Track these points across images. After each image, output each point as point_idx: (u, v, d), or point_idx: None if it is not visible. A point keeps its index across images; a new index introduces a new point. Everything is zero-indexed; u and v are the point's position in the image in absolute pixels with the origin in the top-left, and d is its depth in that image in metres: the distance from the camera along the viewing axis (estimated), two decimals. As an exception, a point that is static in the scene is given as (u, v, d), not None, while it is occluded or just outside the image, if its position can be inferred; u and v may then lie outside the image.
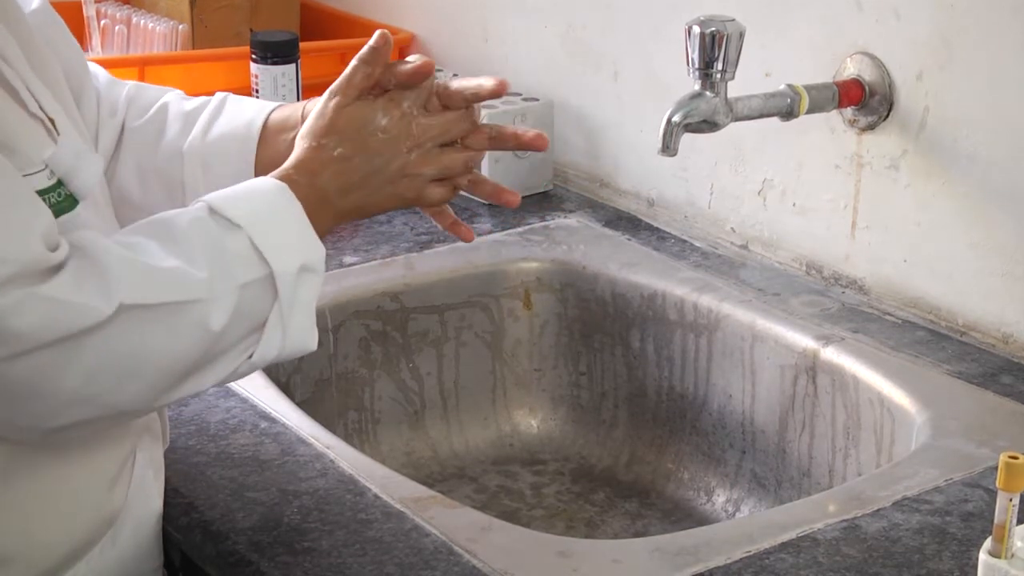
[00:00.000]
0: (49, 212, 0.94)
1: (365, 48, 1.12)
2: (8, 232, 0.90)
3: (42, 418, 0.94)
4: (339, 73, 1.13)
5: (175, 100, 1.24)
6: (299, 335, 1.03)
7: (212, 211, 1.01)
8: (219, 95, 1.24)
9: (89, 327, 0.92)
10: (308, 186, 1.06)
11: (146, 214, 1.05)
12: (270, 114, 1.20)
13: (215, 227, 1.00)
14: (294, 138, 1.15)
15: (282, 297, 1.01)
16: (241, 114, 1.21)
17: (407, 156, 1.10)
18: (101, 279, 0.93)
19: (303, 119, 1.16)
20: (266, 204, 1.03)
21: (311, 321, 1.03)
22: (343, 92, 1.11)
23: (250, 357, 1.01)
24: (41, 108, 1.00)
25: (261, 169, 1.17)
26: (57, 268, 0.92)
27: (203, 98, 1.24)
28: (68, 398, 0.93)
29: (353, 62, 1.12)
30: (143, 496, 1.09)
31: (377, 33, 1.13)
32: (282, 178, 1.06)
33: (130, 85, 1.27)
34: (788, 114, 1.39)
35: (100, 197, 1.10)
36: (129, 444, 1.08)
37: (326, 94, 1.13)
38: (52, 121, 1.00)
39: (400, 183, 1.11)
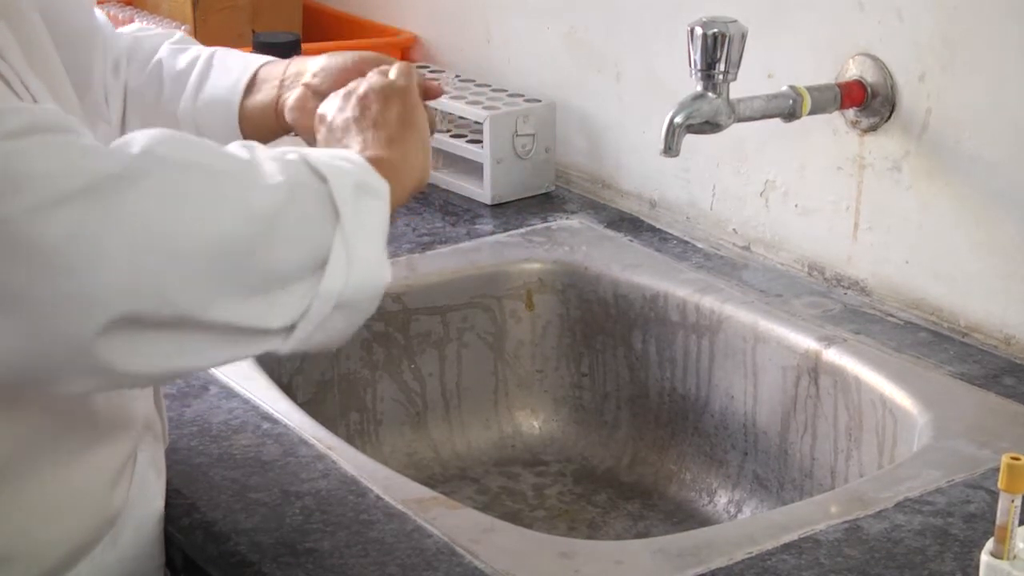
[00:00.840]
0: None
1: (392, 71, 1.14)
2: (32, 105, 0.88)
3: (88, 301, 0.84)
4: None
5: (168, 56, 1.24)
6: (367, 264, 0.94)
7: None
8: (207, 51, 1.24)
9: (117, 172, 0.84)
10: (357, 135, 1.06)
11: None
12: (254, 74, 1.21)
13: (264, 148, 0.97)
14: (273, 88, 1.18)
15: (343, 216, 0.93)
16: (226, 76, 1.21)
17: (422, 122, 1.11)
18: (129, 138, 0.89)
19: (285, 72, 1.19)
20: (338, 154, 1.00)
21: (382, 250, 0.96)
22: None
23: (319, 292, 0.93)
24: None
25: (242, 120, 1.19)
26: (74, 130, 0.87)
27: (193, 52, 1.24)
28: (113, 274, 0.84)
29: (402, 65, 1.15)
30: (145, 496, 1.09)
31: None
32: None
33: (129, 35, 1.27)
34: (790, 115, 1.39)
35: None
36: (130, 444, 1.08)
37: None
38: None
39: (424, 128, 1.10)
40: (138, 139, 0.89)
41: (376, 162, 1.01)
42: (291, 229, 0.92)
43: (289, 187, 0.92)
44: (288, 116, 1.19)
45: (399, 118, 1.08)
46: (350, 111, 1.08)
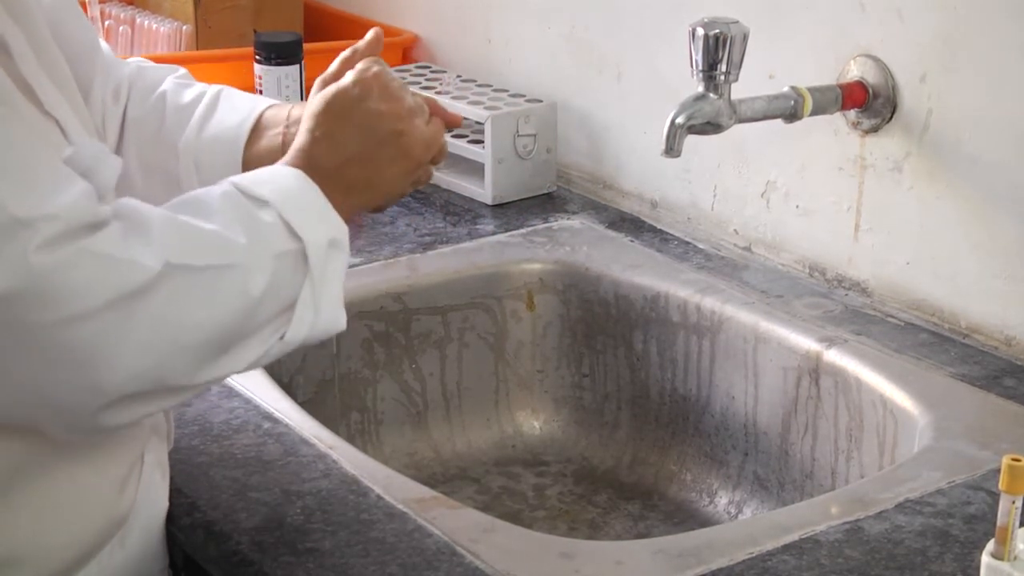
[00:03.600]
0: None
1: (362, 41, 1.17)
2: (55, 187, 0.90)
3: (97, 392, 0.93)
4: (342, 74, 1.14)
5: (173, 90, 1.24)
6: (330, 313, 1.03)
7: (238, 188, 1.02)
8: (213, 88, 1.25)
9: (139, 287, 0.92)
10: (308, 167, 1.07)
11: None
12: (259, 117, 1.21)
13: (246, 201, 1.01)
14: (278, 135, 1.19)
15: (313, 271, 1.01)
16: (232, 115, 1.22)
17: (392, 111, 1.11)
18: (145, 237, 0.94)
19: (289, 117, 1.20)
20: (287, 184, 1.04)
21: (340, 299, 1.04)
22: (328, 82, 1.14)
23: (282, 337, 1.02)
24: (47, 109, 1.00)
25: (247, 167, 1.19)
26: (103, 224, 0.92)
27: (198, 88, 1.25)
28: (124, 371, 0.92)
29: (346, 53, 1.16)
30: (151, 498, 1.09)
31: (372, 31, 1.18)
32: (289, 165, 1.08)
33: (132, 65, 1.27)
34: (791, 116, 1.39)
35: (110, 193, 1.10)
36: (138, 446, 1.08)
37: (315, 84, 1.16)
38: (58, 123, 1.00)
39: (398, 142, 1.11)
40: (152, 241, 0.94)
41: (331, 189, 1.06)
42: (272, 297, 1.00)
43: (275, 266, 1.00)
44: None
45: (360, 129, 1.10)
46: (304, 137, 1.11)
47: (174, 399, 1.01)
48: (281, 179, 1.05)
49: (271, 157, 1.18)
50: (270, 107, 1.22)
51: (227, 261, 0.97)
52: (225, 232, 0.98)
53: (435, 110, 1.17)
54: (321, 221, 1.03)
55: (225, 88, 1.25)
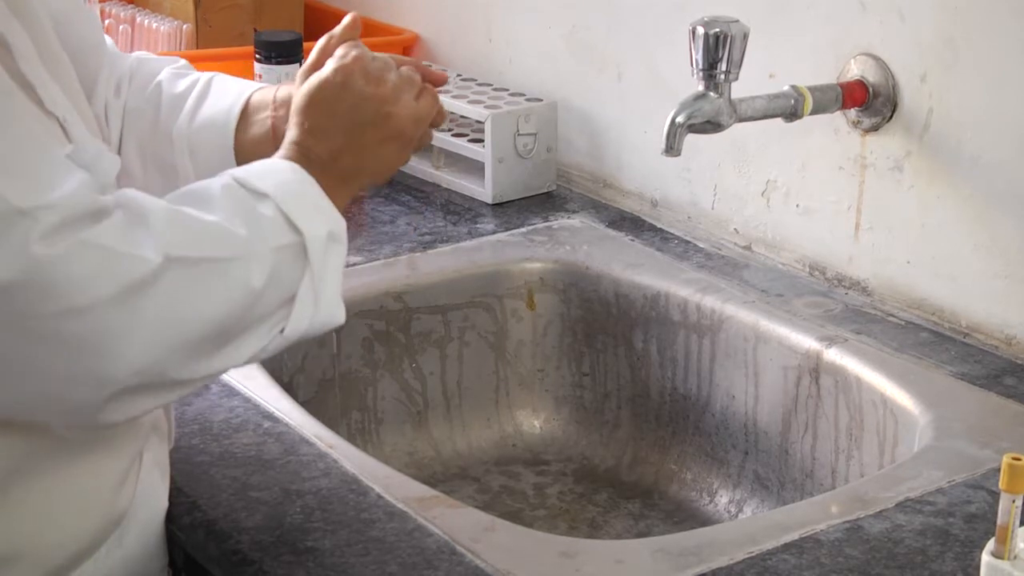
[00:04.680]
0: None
1: (338, 27, 1.17)
2: (55, 178, 0.91)
3: (100, 385, 0.93)
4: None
5: (168, 79, 1.25)
6: (329, 306, 1.03)
7: (238, 181, 1.02)
8: (206, 76, 1.25)
9: (140, 279, 0.91)
10: (303, 160, 1.07)
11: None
12: (247, 101, 1.21)
13: (245, 193, 1.01)
14: (267, 118, 1.18)
15: (313, 264, 1.01)
16: (222, 100, 1.22)
17: (377, 94, 1.11)
18: (146, 229, 0.94)
19: (275, 99, 1.20)
20: (286, 177, 1.04)
21: (339, 292, 1.04)
22: (309, 72, 1.14)
23: (282, 331, 1.01)
24: (49, 108, 1.00)
25: (240, 152, 1.19)
26: (104, 213, 0.92)
27: (193, 77, 1.25)
28: (128, 363, 0.92)
29: (322, 41, 1.17)
30: (150, 497, 1.09)
31: (348, 16, 1.19)
32: (284, 159, 1.08)
33: (132, 58, 1.27)
34: (792, 115, 1.39)
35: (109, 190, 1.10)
36: (137, 445, 1.08)
37: (298, 76, 1.16)
38: (60, 122, 1.00)
39: (388, 124, 1.11)
40: (153, 233, 0.94)
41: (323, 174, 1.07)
42: (272, 290, 1.00)
43: (275, 258, 0.99)
44: None
45: (347, 117, 1.10)
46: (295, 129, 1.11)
47: (175, 393, 1.00)
48: (279, 172, 1.05)
49: (262, 141, 1.19)
50: (257, 90, 1.22)
51: (228, 254, 0.97)
52: (226, 224, 0.98)
53: (424, 74, 1.16)
54: (319, 214, 1.04)
55: (217, 75, 1.25)
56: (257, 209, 1.01)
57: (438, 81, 1.18)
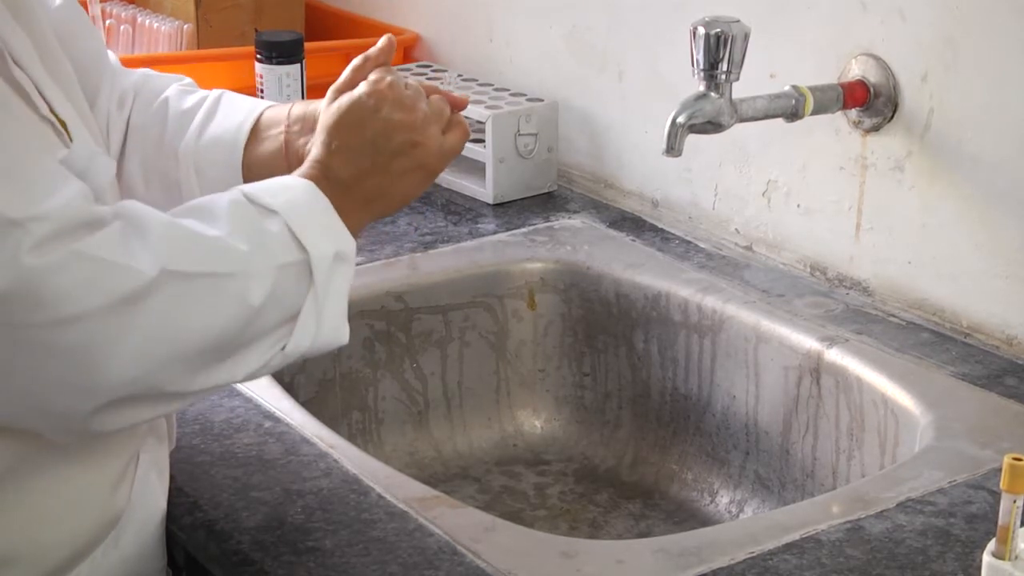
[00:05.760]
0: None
1: (374, 48, 1.16)
2: (49, 188, 0.90)
3: (89, 395, 0.93)
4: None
5: (175, 96, 1.24)
6: (332, 326, 1.03)
7: (248, 197, 1.02)
8: (215, 93, 1.25)
9: (134, 291, 0.91)
10: (323, 179, 1.07)
11: None
12: (258, 118, 1.21)
13: (253, 210, 1.01)
14: (280, 134, 1.18)
15: (318, 284, 1.01)
16: (232, 117, 1.21)
17: (408, 122, 1.10)
18: (144, 241, 0.94)
19: (289, 116, 1.19)
20: (298, 196, 1.04)
21: (343, 312, 1.04)
22: (341, 91, 1.14)
23: (283, 348, 1.01)
24: (52, 111, 1.00)
25: (250, 168, 1.19)
26: (100, 224, 0.92)
27: (201, 94, 1.25)
28: (118, 375, 0.92)
29: (357, 61, 1.14)
30: (146, 498, 1.09)
31: (384, 38, 1.17)
32: (303, 177, 1.08)
33: (138, 74, 1.27)
34: (793, 115, 1.39)
35: (110, 197, 1.10)
36: (133, 446, 1.08)
37: (328, 94, 1.15)
38: (64, 124, 1.00)
39: (414, 154, 1.11)
40: (150, 245, 0.94)
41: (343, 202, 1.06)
42: (272, 308, 0.99)
43: (277, 276, 0.99)
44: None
45: (375, 142, 1.10)
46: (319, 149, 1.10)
47: (171, 405, 1.01)
48: (292, 190, 1.05)
49: (273, 157, 1.18)
50: (269, 108, 1.22)
51: (226, 269, 0.97)
52: (227, 239, 0.98)
53: (452, 102, 1.15)
54: (328, 233, 1.03)
55: (226, 92, 1.25)
56: (263, 225, 1.00)
57: (459, 105, 1.18)
